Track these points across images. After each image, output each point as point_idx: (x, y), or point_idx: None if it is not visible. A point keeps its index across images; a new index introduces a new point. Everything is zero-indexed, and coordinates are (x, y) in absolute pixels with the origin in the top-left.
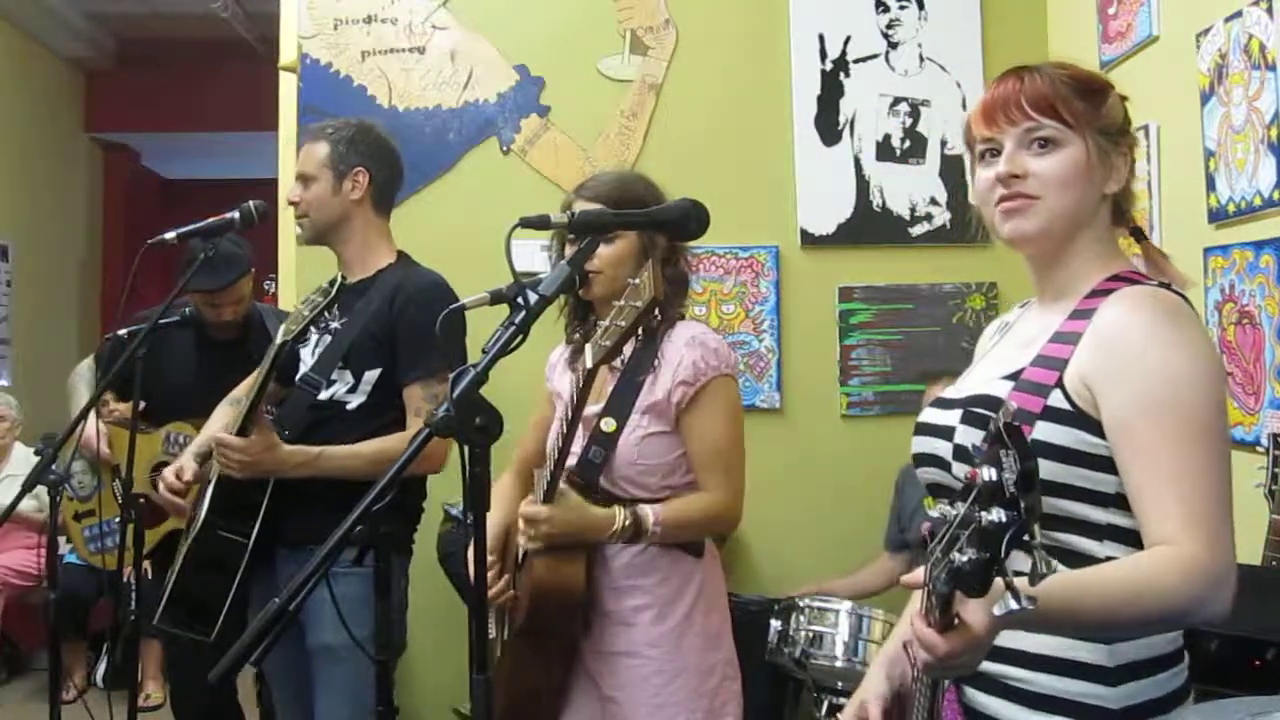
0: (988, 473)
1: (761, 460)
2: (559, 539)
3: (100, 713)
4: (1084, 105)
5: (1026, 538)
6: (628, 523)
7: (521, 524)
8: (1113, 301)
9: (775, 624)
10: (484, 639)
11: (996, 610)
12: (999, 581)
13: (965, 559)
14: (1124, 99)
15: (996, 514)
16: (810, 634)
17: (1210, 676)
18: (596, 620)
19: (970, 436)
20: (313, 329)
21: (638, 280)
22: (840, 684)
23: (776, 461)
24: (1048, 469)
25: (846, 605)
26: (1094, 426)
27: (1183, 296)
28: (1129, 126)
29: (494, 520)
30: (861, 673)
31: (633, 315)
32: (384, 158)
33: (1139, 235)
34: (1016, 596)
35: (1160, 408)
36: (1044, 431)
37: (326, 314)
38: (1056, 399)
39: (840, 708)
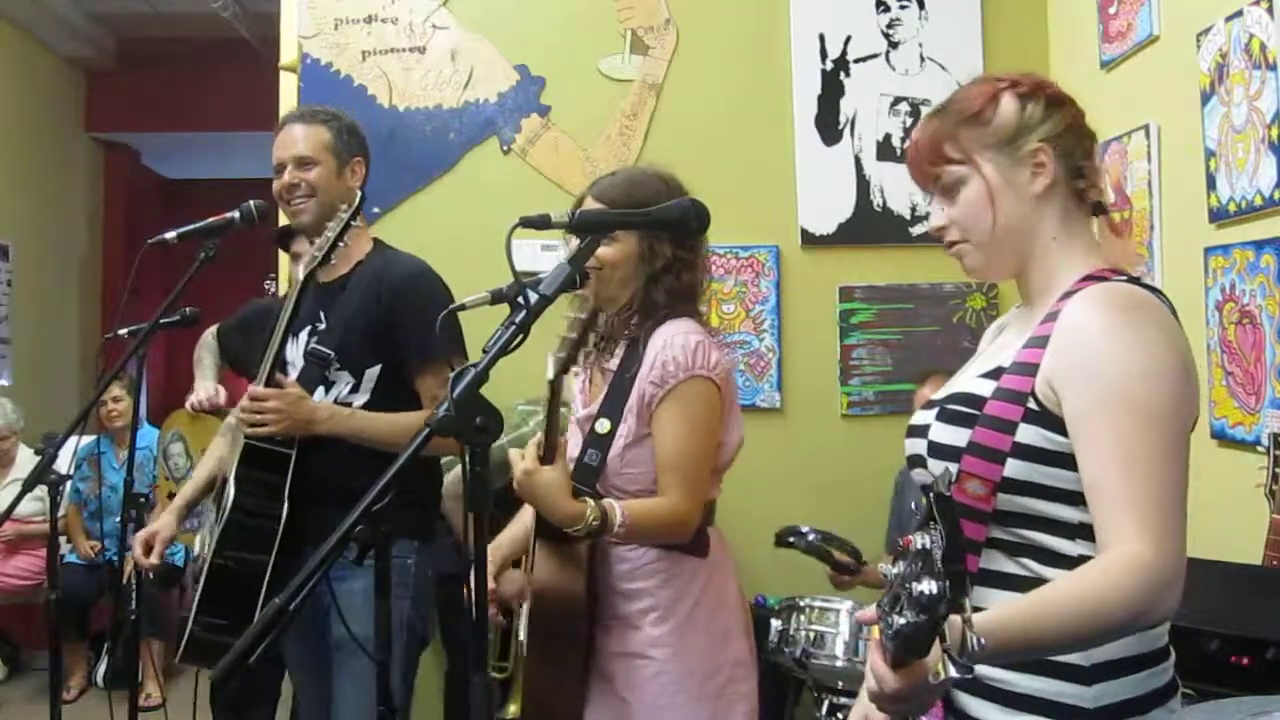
0: (920, 540)
1: (761, 460)
2: (528, 500)
3: (100, 713)
4: (970, 131)
5: (958, 607)
6: (595, 522)
7: (514, 466)
8: (1073, 302)
9: (776, 624)
10: (483, 638)
11: (931, 680)
12: (954, 624)
13: (904, 621)
14: (1025, 92)
15: (926, 584)
16: (811, 634)
17: (1210, 676)
18: (609, 622)
19: (944, 433)
20: (292, 332)
21: (583, 291)
22: (841, 684)
23: (776, 461)
24: (1021, 469)
25: (847, 605)
26: (1059, 425)
27: (1155, 291)
28: (1034, 121)
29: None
30: (862, 673)
31: (577, 326)
32: (369, 151)
33: (1097, 210)
34: (955, 664)
35: (1112, 405)
36: (1026, 434)
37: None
38: (1031, 404)
39: (841, 708)
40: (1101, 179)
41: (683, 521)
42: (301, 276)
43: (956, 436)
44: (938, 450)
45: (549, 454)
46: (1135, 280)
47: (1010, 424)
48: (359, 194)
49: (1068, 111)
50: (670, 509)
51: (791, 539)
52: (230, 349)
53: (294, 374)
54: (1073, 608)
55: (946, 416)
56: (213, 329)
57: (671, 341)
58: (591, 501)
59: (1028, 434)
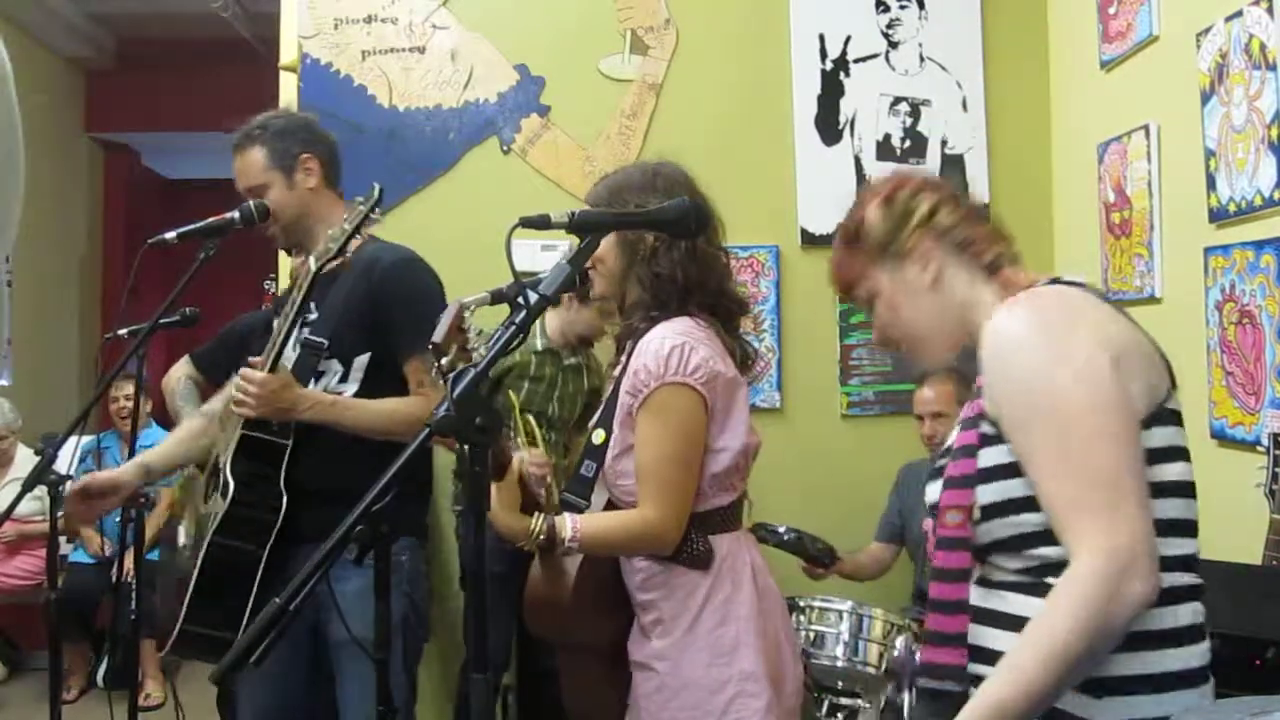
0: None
1: (762, 460)
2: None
3: (100, 713)
4: (855, 254)
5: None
6: (541, 536)
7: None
8: (985, 330)
9: None
10: (483, 639)
11: None
12: None
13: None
14: (886, 196)
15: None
16: (811, 634)
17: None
18: (635, 630)
19: (934, 490)
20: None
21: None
22: (841, 684)
23: (776, 461)
24: (1000, 488)
25: (847, 605)
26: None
27: (1071, 284)
28: (899, 219)
29: None
30: (862, 673)
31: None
32: (320, 136)
33: (993, 269)
34: None
35: (1023, 417)
36: (987, 457)
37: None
38: (985, 427)
39: (840, 708)
40: (990, 238)
41: (655, 534)
42: (313, 268)
43: (938, 487)
44: (932, 508)
45: (498, 470)
46: (1056, 280)
47: (972, 449)
48: (375, 187)
49: (930, 195)
50: (640, 521)
51: (764, 535)
52: (219, 368)
53: (289, 365)
54: (1035, 663)
55: (935, 474)
56: (182, 364)
57: (645, 348)
58: (540, 515)
59: (990, 456)
